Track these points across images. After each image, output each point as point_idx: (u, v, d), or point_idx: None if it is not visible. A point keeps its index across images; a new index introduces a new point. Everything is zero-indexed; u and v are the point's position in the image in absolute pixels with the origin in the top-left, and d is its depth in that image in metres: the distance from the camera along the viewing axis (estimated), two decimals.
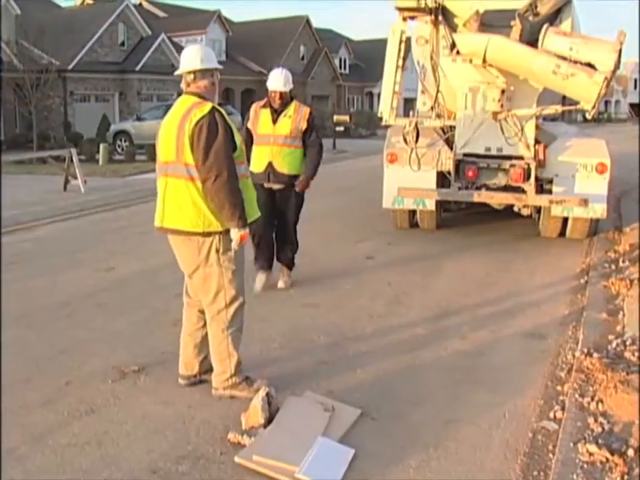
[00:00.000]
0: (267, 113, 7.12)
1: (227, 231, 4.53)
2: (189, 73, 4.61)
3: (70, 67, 32.39)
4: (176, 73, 4.77)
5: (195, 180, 4.47)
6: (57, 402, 4.68)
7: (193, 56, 4.63)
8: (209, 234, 4.52)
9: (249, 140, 7.13)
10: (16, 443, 4.12)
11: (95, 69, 33.73)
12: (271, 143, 7.04)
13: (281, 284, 7.44)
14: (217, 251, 4.55)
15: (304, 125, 7.07)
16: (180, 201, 4.53)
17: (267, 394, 4.33)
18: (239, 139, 4.66)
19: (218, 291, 4.61)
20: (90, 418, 4.46)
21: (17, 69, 29.20)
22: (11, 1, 33.26)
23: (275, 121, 7.05)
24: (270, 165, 7.07)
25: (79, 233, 11.17)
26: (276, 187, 7.13)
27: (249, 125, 7.29)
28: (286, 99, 7.08)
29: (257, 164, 7.11)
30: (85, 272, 8.27)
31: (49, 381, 5.03)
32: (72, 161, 16.10)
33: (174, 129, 4.51)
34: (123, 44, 36.06)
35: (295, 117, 7.05)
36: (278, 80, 6.99)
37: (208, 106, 4.48)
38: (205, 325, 4.81)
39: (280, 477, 3.70)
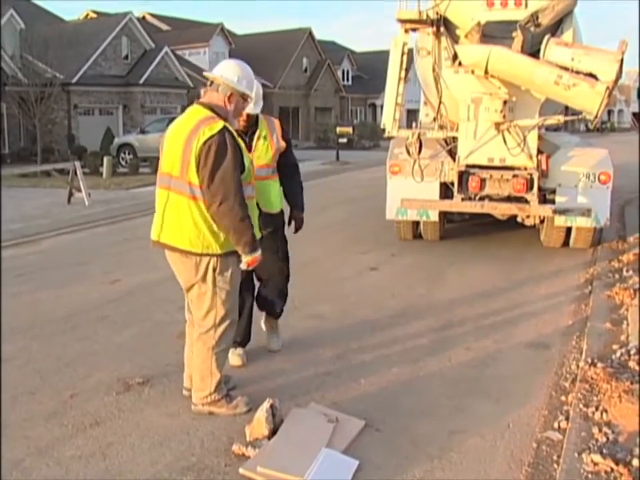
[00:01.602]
0: None
1: (226, 253, 4.44)
2: (209, 78, 4.52)
3: (74, 80, 32.55)
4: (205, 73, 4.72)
5: (197, 199, 4.33)
6: (61, 414, 4.69)
7: (223, 65, 4.56)
8: (206, 255, 4.43)
9: None
10: (21, 455, 4.13)
11: (98, 82, 33.89)
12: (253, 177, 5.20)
13: (274, 345, 5.93)
14: (214, 270, 4.46)
15: (282, 144, 5.54)
16: (180, 218, 4.40)
17: (271, 405, 4.33)
18: (247, 159, 4.52)
19: (209, 309, 4.53)
20: (94, 430, 4.46)
21: (21, 82, 29.40)
22: (15, 15, 33.50)
23: (249, 148, 5.29)
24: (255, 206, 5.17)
25: (83, 246, 11.20)
26: (264, 231, 5.31)
27: None
28: (254, 118, 5.42)
29: None
30: (90, 284, 8.29)
31: (54, 394, 5.04)
32: (76, 174, 16.17)
33: (181, 143, 4.33)
34: (126, 57, 36.23)
35: (271, 137, 5.47)
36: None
37: (219, 125, 4.28)
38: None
39: None
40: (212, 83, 4.50)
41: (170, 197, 4.44)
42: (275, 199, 5.59)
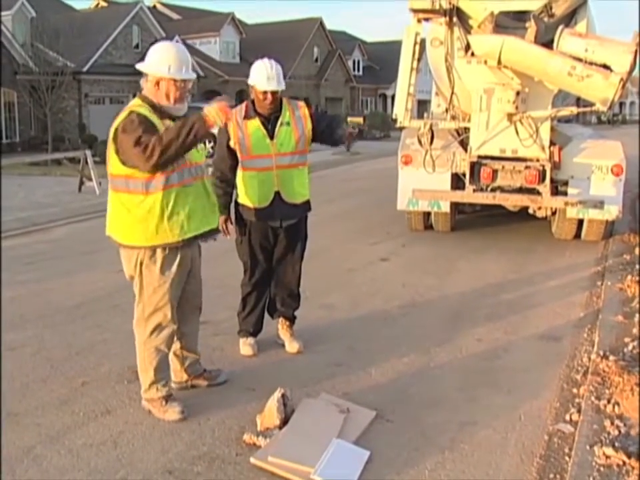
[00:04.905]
0: (255, 125, 5.22)
1: (152, 248, 4.33)
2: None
3: (85, 69, 32.55)
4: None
5: (119, 191, 4.33)
6: (72, 402, 4.70)
7: (149, 53, 4.43)
8: (132, 247, 4.38)
9: (234, 164, 5.34)
10: (32, 443, 4.14)
11: (109, 71, 33.86)
12: (274, 167, 5.22)
13: (296, 346, 5.66)
14: (141, 264, 4.39)
15: (309, 127, 5.33)
16: (112, 210, 4.45)
17: (283, 395, 4.33)
18: None
19: (138, 302, 4.49)
20: (105, 418, 4.47)
21: (32, 71, 29.44)
22: (26, 4, 33.52)
23: (271, 135, 5.21)
24: (277, 196, 5.28)
25: (93, 234, 11.17)
26: (285, 223, 5.42)
27: (232, 144, 5.29)
28: (278, 102, 5.26)
29: (257, 196, 5.28)
30: (100, 273, 8.29)
31: (65, 382, 5.06)
32: (86, 162, 16.18)
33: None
34: (137, 46, 36.18)
35: (295, 123, 5.28)
36: (269, 76, 5.11)
37: (126, 110, 4.28)
38: (178, 336, 4.72)
39: (295, 479, 3.70)
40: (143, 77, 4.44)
41: (109, 191, 4.49)
42: (299, 189, 5.41)
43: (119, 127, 4.22)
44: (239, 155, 5.29)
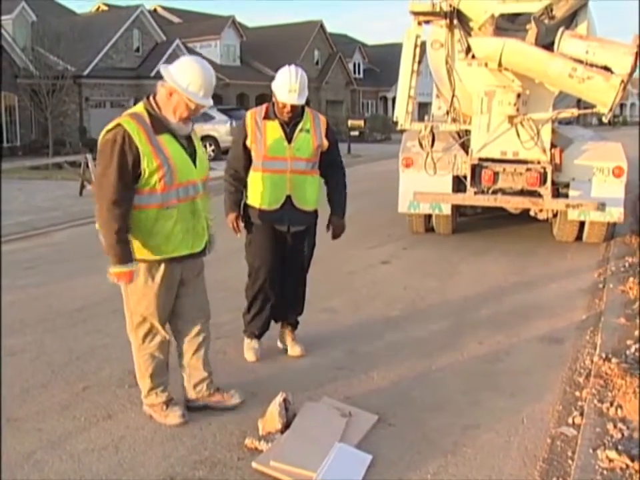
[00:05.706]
0: (274, 126, 5.21)
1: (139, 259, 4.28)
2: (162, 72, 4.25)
3: (85, 72, 32.59)
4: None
5: None
6: (74, 407, 4.69)
7: (179, 63, 4.21)
8: None
9: (247, 164, 5.32)
10: (33, 448, 4.13)
11: (110, 75, 33.91)
12: (289, 170, 5.21)
13: (298, 349, 5.66)
14: None
15: (325, 143, 5.33)
16: None
17: (284, 399, 4.31)
18: (154, 162, 4.05)
19: (127, 310, 4.46)
20: (107, 423, 4.46)
21: (33, 75, 29.51)
22: (26, 8, 33.57)
23: (289, 139, 5.20)
24: (288, 200, 5.26)
25: (94, 238, 11.07)
26: (294, 229, 5.41)
27: (248, 143, 5.26)
28: (299, 110, 5.25)
29: (267, 198, 5.26)
30: (101, 277, 8.19)
31: (66, 387, 5.04)
32: (87, 166, 16.20)
33: None
34: (137, 50, 36.25)
35: (314, 132, 5.27)
36: (292, 88, 5.03)
37: (115, 122, 4.08)
38: (178, 352, 4.68)
39: None
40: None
41: None
42: (311, 196, 5.36)
43: (103, 141, 4.09)
44: (254, 154, 5.26)
